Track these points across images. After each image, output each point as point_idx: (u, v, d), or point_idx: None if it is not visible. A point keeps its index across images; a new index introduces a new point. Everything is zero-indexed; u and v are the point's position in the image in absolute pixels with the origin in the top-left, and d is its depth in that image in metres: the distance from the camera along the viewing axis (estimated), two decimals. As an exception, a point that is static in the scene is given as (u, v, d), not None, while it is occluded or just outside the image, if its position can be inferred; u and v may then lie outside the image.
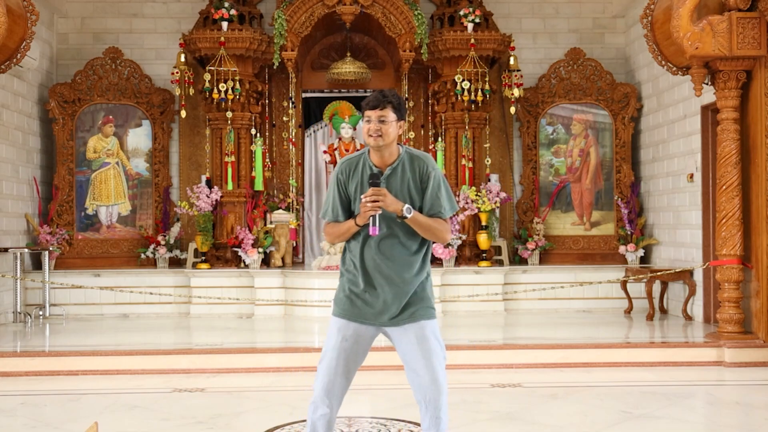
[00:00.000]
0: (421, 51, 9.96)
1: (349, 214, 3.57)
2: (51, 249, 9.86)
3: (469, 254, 10.22)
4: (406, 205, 3.41)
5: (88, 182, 10.49)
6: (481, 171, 10.44)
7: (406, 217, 3.40)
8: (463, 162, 10.24)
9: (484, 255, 10.18)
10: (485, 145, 10.51)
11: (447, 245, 9.94)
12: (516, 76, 10.23)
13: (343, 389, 3.59)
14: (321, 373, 3.58)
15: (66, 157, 10.37)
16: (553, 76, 10.83)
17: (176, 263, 10.50)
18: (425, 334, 3.54)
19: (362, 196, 3.42)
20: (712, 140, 8.46)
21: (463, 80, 9.96)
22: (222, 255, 10.23)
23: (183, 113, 10.19)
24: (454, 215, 3.51)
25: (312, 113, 11.24)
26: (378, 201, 3.37)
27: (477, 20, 10.07)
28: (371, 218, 3.38)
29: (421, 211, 3.50)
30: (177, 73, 10.03)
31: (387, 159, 3.53)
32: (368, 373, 5.73)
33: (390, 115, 3.49)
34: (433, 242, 3.59)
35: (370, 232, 3.39)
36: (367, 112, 3.51)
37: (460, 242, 10.04)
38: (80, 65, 10.63)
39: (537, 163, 10.76)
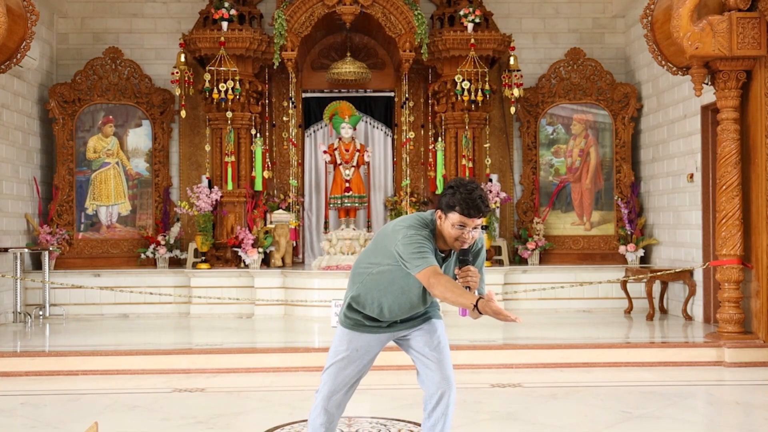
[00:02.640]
0: (421, 51, 9.96)
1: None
2: (51, 249, 9.86)
3: (469, 254, 10.20)
4: (479, 298, 3.24)
5: (88, 182, 10.49)
6: (481, 171, 10.44)
7: (477, 308, 3.23)
8: (463, 162, 10.24)
9: (484, 255, 10.17)
10: (485, 145, 10.51)
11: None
12: (516, 76, 10.24)
13: (346, 400, 3.68)
14: (327, 381, 3.63)
15: (66, 157, 10.37)
16: (553, 76, 10.83)
17: (176, 263, 10.50)
18: (438, 331, 3.66)
19: (459, 271, 3.38)
20: (712, 140, 8.46)
21: (463, 80, 9.96)
22: (222, 255, 10.24)
23: (183, 113, 10.19)
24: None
25: (312, 113, 11.24)
26: (473, 280, 3.34)
27: (477, 20, 10.07)
28: None
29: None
30: (177, 73, 10.03)
31: (446, 246, 3.49)
32: (368, 372, 5.72)
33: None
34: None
35: (460, 314, 3.31)
36: (466, 219, 3.34)
37: (460, 242, 10.03)
38: (80, 65, 10.63)
39: (537, 163, 10.76)
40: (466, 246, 3.40)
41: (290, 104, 10.43)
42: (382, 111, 11.25)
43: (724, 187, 7.38)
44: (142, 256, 10.46)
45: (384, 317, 3.59)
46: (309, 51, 10.96)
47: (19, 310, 9.27)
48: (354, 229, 9.99)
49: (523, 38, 10.98)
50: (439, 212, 3.44)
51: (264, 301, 9.53)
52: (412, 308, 3.59)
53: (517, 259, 10.69)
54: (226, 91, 9.88)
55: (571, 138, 10.76)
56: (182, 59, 10.09)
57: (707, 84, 7.58)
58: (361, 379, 3.70)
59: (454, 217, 3.36)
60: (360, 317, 3.61)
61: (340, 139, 10.36)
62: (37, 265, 10.05)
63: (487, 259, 10.12)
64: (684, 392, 6.12)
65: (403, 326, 3.65)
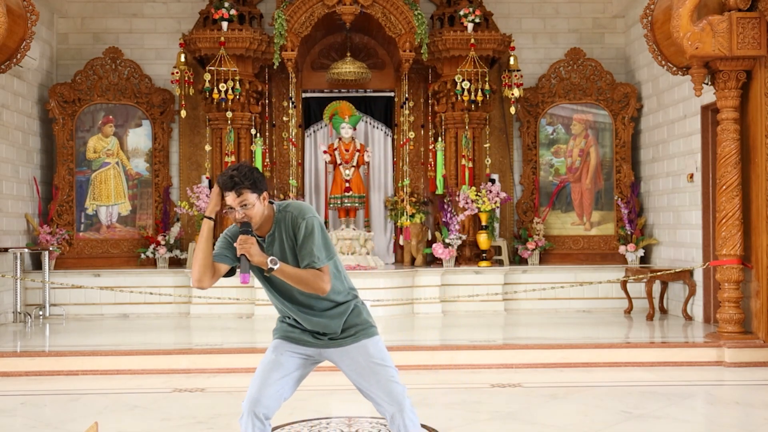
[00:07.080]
0: (421, 51, 9.96)
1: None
2: (51, 249, 9.85)
3: (469, 254, 10.22)
4: (270, 257, 3.29)
5: (88, 182, 10.49)
6: (481, 171, 10.44)
7: (273, 269, 3.28)
8: (463, 162, 10.24)
9: (484, 255, 10.18)
10: (485, 145, 10.51)
11: (447, 245, 9.94)
12: (516, 76, 10.24)
13: (274, 399, 3.61)
14: (251, 386, 3.60)
15: (66, 157, 10.37)
16: (553, 76, 10.83)
17: (176, 263, 10.50)
18: (369, 351, 3.53)
19: (235, 244, 3.33)
20: (712, 140, 8.46)
21: (463, 80, 9.96)
22: (222, 255, 10.21)
23: (183, 113, 10.19)
24: (331, 260, 3.41)
25: (312, 113, 11.23)
26: (245, 246, 3.26)
27: (477, 20, 10.08)
28: (241, 265, 3.31)
29: (299, 265, 3.39)
30: (177, 73, 10.03)
31: (264, 228, 3.42)
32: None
33: (249, 197, 3.29)
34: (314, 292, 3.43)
35: (241, 281, 3.33)
36: (227, 198, 3.30)
37: (460, 242, 10.04)
38: (80, 65, 10.63)
39: (537, 163, 10.76)
40: (239, 221, 3.32)
41: (290, 104, 10.43)
42: (382, 111, 11.25)
43: (724, 187, 7.38)
44: (142, 256, 10.46)
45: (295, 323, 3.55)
46: (309, 51, 10.96)
47: (19, 310, 9.27)
48: (354, 229, 10.00)
49: (523, 38, 10.98)
50: None
51: (264, 301, 9.52)
52: (307, 309, 3.50)
53: (517, 259, 10.69)
54: (226, 91, 9.88)
55: (571, 138, 10.76)
56: (182, 59, 10.09)
57: (707, 84, 7.58)
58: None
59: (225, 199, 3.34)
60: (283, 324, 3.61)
61: (340, 139, 10.36)
62: (37, 265, 10.05)
63: (487, 260, 10.12)
64: (684, 392, 6.12)
65: (325, 343, 3.54)
